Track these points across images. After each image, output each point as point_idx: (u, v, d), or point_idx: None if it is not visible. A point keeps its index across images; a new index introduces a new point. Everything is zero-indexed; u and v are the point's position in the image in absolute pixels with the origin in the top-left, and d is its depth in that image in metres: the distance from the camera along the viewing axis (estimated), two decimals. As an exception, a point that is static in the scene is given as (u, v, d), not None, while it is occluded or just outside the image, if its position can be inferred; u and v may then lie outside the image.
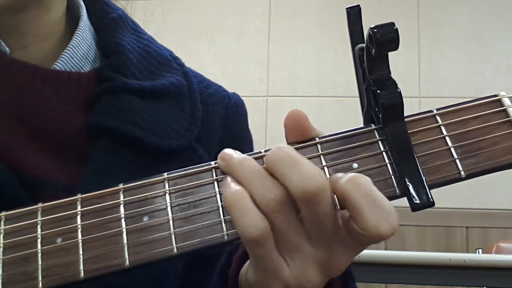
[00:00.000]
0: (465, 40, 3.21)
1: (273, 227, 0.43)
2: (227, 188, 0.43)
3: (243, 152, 0.46)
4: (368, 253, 1.57)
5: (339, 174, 0.43)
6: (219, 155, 0.46)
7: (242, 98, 0.76)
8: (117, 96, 0.61)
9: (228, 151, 0.46)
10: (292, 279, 0.43)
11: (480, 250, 2.81)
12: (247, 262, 0.48)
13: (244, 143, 0.73)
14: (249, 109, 0.75)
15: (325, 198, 0.41)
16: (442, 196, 2.90)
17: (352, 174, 0.42)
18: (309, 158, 0.44)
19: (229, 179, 0.44)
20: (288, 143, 0.47)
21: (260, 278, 0.44)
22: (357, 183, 0.41)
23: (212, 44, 3.36)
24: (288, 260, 0.43)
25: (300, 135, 0.46)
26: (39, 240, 0.43)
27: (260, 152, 0.46)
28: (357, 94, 0.50)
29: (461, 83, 3.14)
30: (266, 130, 3.18)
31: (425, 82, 3.19)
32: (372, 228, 0.40)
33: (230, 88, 0.76)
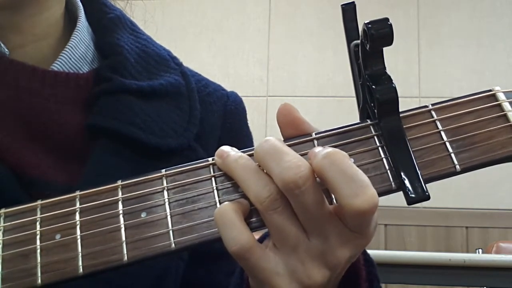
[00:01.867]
0: (465, 40, 3.21)
1: (270, 224, 0.43)
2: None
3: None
4: (368, 253, 1.56)
5: (317, 149, 0.43)
6: (217, 152, 0.46)
7: (242, 98, 0.76)
8: (115, 97, 0.61)
9: (225, 148, 0.46)
10: (292, 281, 0.43)
11: (480, 250, 2.80)
12: None
13: (243, 141, 0.73)
14: (249, 109, 0.75)
15: (308, 187, 0.41)
16: (442, 196, 2.91)
17: (328, 149, 0.42)
18: (306, 154, 0.44)
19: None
20: (285, 140, 0.47)
21: (258, 286, 0.45)
22: (332, 160, 0.41)
23: (212, 44, 3.36)
24: (286, 258, 0.43)
25: (294, 129, 0.47)
26: (38, 237, 0.44)
27: None
28: (357, 94, 0.50)
29: (461, 83, 3.14)
30: (266, 130, 3.18)
31: (425, 82, 3.19)
32: (349, 203, 0.40)
33: (230, 88, 0.76)
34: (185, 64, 0.73)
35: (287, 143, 0.46)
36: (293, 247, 0.43)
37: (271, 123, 3.19)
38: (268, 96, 3.28)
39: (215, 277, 0.67)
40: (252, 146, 0.46)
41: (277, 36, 3.34)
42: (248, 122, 0.75)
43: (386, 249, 2.96)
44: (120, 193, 0.45)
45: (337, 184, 0.41)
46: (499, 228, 2.99)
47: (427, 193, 0.43)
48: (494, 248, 2.47)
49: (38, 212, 0.45)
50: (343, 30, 0.49)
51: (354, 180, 0.41)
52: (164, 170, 0.46)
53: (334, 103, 3.20)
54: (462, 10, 3.24)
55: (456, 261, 1.66)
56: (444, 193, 2.87)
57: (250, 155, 0.45)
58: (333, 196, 0.43)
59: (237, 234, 0.42)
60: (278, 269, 0.43)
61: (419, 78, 3.19)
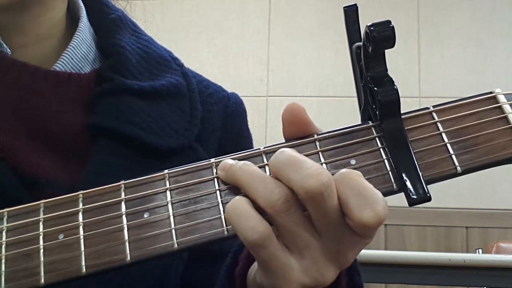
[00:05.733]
0: (465, 40, 3.21)
1: (281, 227, 0.43)
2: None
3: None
4: (368, 253, 1.57)
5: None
6: (219, 166, 0.46)
7: (242, 98, 0.76)
8: (117, 97, 0.61)
9: (226, 160, 0.46)
10: (305, 277, 0.43)
11: (480, 250, 2.80)
12: (255, 263, 0.48)
13: (243, 142, 0.73)
14: (249, 109, 0.76)
15: (331, 194, 0.41)
16: (442, 196, 2.92)
17: (342, 170, 0.43)
18: (308, 155, 0.45)
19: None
20: (286, 139, 0.47)
21: (270, 281, 0.44)
22: (342, 177, 0.42)
23: (212, 44, 3.36)
24: (299, 258, 0.43)
25: (298, 130, 0.47)
26: (41, 237, 0.44)
27: (259, 149, 0.47)
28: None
29: (461, 83, 3.14)
30: (266, 130, 3.18)
31: (425, 82, 3.19)
32: (356, 217, 0.41)
33: (230, 88, 0.76)
34: (185, 64, 0.73)
35: (289, 144, 0.46)
36: (305, 247, 0.43)
37: (271, 123, 3.19)
38: (268, 96, 3.28)
39: (214, 277, 0.67)
40: (252, 147, 0.46)
41: (277, 36, 3.34)
42: (248, 122, 0.76)
43: (386, 249, 2.96)
44: (123, 194, 0.45)
45: (346, 198, 0.42)
46: (499, 228, 2.99)
47: (428, 194, 0.43)
48: (494, 248, 2.48)
49: (41, 212, 0.45)
50: (343, 30, 0.49)
51: (362, 194, 0.41)
52: (166, 170, 0.46)
53: (334, 103, 3.20)
54: (462, 10, 3.24)
55: (456, 261, 1.65)
56: (444, 193, 2.87)
57: (252, 156, 0.46)
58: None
59: (255, 223, 0.42)
60: (292, 265, 0.43)
61: (419, 78, 3.19)
